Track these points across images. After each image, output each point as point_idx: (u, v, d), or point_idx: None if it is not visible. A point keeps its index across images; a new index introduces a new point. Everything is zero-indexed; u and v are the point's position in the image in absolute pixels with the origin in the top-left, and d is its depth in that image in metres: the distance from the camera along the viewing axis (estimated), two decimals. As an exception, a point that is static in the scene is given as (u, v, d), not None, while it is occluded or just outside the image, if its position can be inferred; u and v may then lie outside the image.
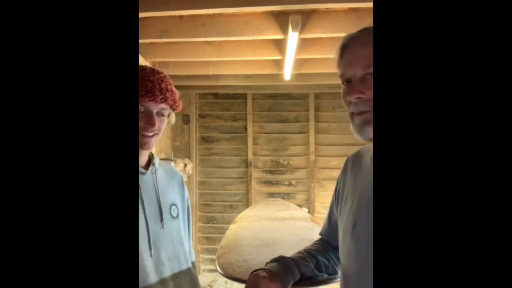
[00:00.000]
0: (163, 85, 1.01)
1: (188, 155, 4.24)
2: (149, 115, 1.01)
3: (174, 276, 1.07)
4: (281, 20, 2.20)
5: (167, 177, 1.16)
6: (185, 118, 4.29)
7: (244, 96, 4.39)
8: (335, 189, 1.00)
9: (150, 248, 1.01)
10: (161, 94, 1.00)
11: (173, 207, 1.11)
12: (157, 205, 1.06)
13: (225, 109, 4.46)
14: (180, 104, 1.09)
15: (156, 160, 1.12)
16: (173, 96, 1.04)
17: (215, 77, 3.48)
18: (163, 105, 1.02)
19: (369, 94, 0.76)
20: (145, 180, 1.06)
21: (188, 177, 3.86)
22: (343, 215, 0.89)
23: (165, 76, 1.05)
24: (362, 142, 0.87)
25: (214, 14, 2.22)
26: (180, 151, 4.24)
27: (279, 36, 2.31)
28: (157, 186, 1.08)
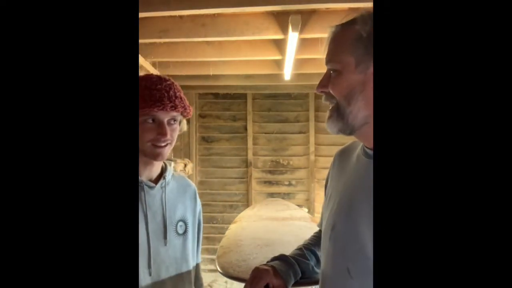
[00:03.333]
0: (171, 92, 0.98)
1: (188, 155, 4.24)
2: (160, 125, 0.97)
3: None
4: (281, 20, 2.20)
5: (179, 191, 1.11)
6: (185, 118, 4.28)
7: (244, 96, 4.39)
8: (325, 185, 0.97)
9: (149, 267, 0.98)
10: (170, 102, 0.96)
11: (180, 223, 1.07)
12: (162, 222, 1.02)
13: (225, 109, 4.46)
14: (190, 111, 1.05)
15: (168, 173, 1.08)
16: (183, 103, 1.00)
17: (215, 77, 3.49)
18: (173, 113, 0.99)
19: (329, 90, 0.75)
20: (152, 195, 1.02)
21: (188, 177, 3.86)
22: (325, 213, 0.87)
23: (172, 83, 1.01)
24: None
25: (214, 14, 2.23)
26: (180, 151, 4.24)
27: (279, 36, 2.31)
28: (165, 201, 1.04)
